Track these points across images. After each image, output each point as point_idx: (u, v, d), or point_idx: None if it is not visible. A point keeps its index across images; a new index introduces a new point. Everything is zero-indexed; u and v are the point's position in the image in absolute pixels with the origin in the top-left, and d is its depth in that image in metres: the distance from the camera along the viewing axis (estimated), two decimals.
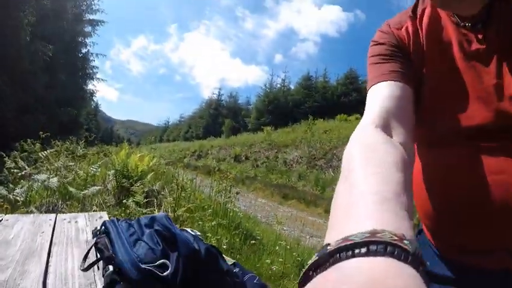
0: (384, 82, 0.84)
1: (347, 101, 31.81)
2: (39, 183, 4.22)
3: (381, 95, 0.81)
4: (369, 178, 0.50)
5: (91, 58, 31.04)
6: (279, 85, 38.51)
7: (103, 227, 1.16)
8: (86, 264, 0.98)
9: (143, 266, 0.92)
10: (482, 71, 0.80)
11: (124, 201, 4.34)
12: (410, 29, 0.91)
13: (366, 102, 0.84)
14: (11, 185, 4.41)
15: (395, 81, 0.83)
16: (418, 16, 0.91)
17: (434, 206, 0.91)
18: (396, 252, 0.31)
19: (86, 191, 4.30)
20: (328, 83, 35.42)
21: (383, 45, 0.92)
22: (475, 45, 0.81)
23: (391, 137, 0.71)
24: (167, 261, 0.96)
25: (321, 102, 32.64)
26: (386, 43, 0.92)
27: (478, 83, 0.80)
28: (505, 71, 0.77)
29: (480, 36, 0.81)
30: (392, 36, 0.92)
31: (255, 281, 1.17)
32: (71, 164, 5.72)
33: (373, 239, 0.33)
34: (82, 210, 3.79)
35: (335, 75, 52.28)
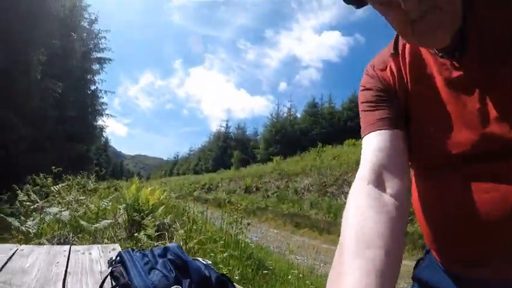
0: (373, 133, 0.91)
1: (353, 125, 31.28)
2: (51, 216, 4.26)
3: (371, 148, 0.89)
4: (350, 275, 0.63)
5: (100, 95, 31.80)
6: (285, 114, 38.68)
7: (118, 257, 1.20)
8: None
9: None
10: (466, 98, 0.83)
11: (136, 234, 4.35)
12: (394, 68, 0.96)
13: (362, 152, 0.93)
14: (22, 217, 4.46)
15: (383, 129, 0.90)
16: (400, 52, 0.96)
17: (431, 227, 0.97)
18: None
19: (98, 224, 4.33)
20: (334, 108, 35.40)
21: (370, 91, 0.99)
22: (455, 73, 0.84)
23: (384, 189, 0.81)
24: (180, 287, 0.99)
25: (328, 129, 32.55)
26: (372, 88, 0.99)
27: (463, 110, 0.84)
28: (487, 95, 0.80)
29: (457, 64, 0.83)
30: (377, 80, 0.99)
31: None
32: (82, 198, 5.78)
33: None
34: (93, 243, 3.80)
35: (340, 100, 52.30)
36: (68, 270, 1.37)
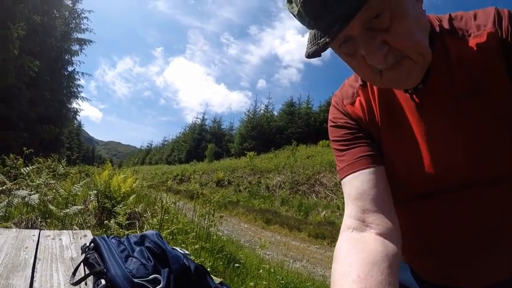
0: (352, 174, 0.89)
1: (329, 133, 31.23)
2: (19, 199, 4.13)
3: (353, 192, 0.87)
4: None
5: (77, 77, 31.00)
6: (262, 111, 38.58)
7: (92, 243, 1.15)
8: (76, 278, 0.97)
9: (135, 280, 0.92)
10: (434, 132, 0.84)
11: (106, 222, 4.27)
12: (363, 102, 0.94)
13: (344, 197, 0.91)
14: None
15: (363, 169, 0.88)
16: (368, 84, 0.94)
17: (409, 245, 0.97)
18: None
19: (67, 210, 4.22)
20: (311, 109, 35.52)
21: (342, 129, 0.97)
22: (423, 108, 0.84)
23: (370, 231, 0.81)
24: (159, 276, 0.96)
25: (304, 128, 32.66)
26: (344, 125, 0.97)
27: (432, 145, 0.84)
28: (456, 128, 0.80)
29: (425, 98, 0.83)
30: (348, 117, 0.97)
31: None
32: (52, 182, 5.63)
33: None
34: (62, 229, 3.72)
35: (318, 102, 52.56)
36: (37, 255, 1.32)
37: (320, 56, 0.74)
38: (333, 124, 1.00)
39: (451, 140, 0.81)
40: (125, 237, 1.23)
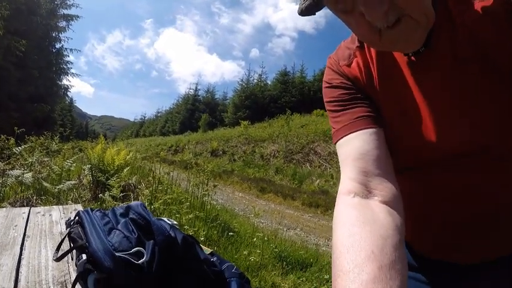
0: (352, 134, 0.83)
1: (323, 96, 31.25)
2: (13, 179, 4.12)
3: (353, 153, 0.81)
4: None
5: (65, 53, 30.22)
6: (255, 80, 38.26)
7: (77, 217, 1.14)
8: (59, 254, 0.97)
9: (117, 254, 0.90)
10: (434, 98, 0.78)
11: (100, 195, 4.29)
12: (361, 63, 0.88)
13: (339, 160, 0.85)
14: None
15: (364, 129, 0.82)
16: (366, 45, 0.87)
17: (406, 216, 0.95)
18: None
19: (61, 185, 4.22)
20: (305, 78, 35.21)
21: (339, 89, 0.90)
22: (423, 72, 0.78)
23: (373, 198, 0.75)
24: (143, 249, 0.94)
25: (298, 98, 32.51)
26: (341, 86, 0.90)
27: (432, 112, 0.79)
28: (454, 94, 0.75)
29: (425, 61, 0.77)
30: (344, 76, 0.90)
31: (233, 270, 1.16)
32: (45, 159, 5.61)
33: None
34: (57, 205, 3.75)
35: (312, 71, 52.17)
36: (26, 233, 1.31)
37: (314, 14, 0.68)
38: (328, 85, 0.93)
39: (451, 104, 0.76)
40: (110, 209, 1.22)
